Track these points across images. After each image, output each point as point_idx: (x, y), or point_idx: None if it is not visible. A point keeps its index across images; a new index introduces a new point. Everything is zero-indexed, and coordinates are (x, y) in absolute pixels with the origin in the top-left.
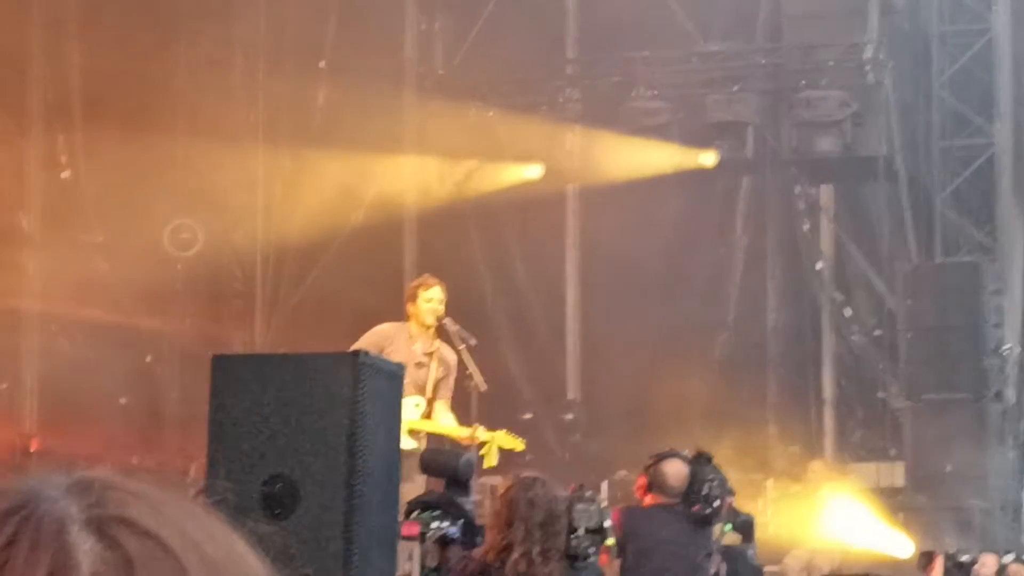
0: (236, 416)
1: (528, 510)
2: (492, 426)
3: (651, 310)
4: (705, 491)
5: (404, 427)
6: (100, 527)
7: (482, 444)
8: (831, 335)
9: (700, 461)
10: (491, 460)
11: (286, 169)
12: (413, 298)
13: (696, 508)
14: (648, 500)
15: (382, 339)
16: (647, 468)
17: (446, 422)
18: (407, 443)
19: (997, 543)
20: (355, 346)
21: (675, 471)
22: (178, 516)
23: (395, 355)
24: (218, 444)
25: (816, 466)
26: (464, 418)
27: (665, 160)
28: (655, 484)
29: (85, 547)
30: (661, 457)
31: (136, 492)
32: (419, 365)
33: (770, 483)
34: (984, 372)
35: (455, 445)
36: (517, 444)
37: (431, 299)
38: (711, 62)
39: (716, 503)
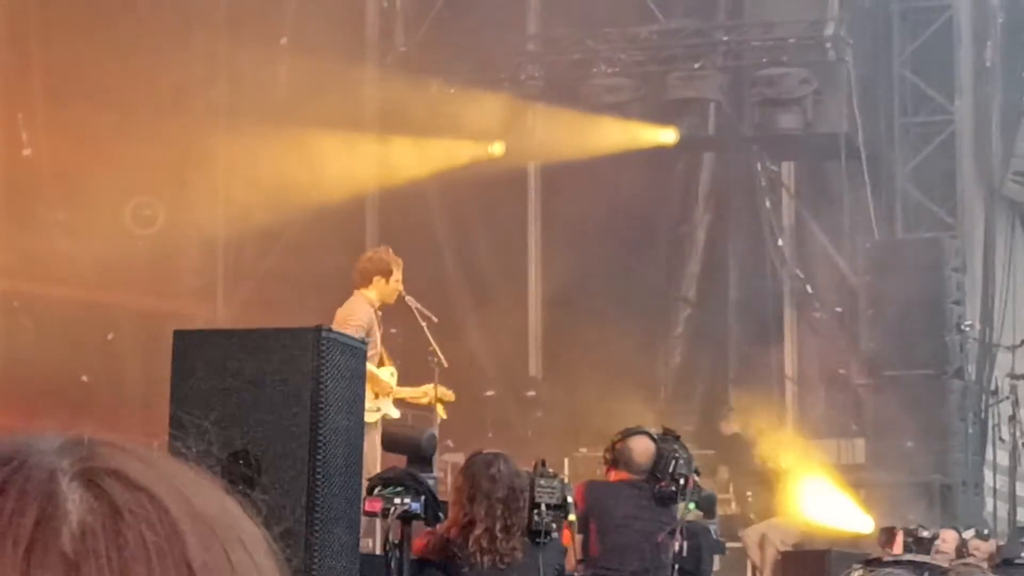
0: (198, 392)
1: (490, 486)
2: (451, 402)
3: (613, 287)
4: (671, 468)
5: (390, 397)
6: (90, 478)
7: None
8: (792, 311)
9: (667, 439)
10: (443, 413)
11: (247, 146)
12: (388, 273)
13: (662, 485)
14: (613, 476)
15: (372, 319)
16: (613, 444)
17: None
18: (393, 411)
19: (957, 519)
20: (353, 330)
21: (642, 448)
22: (169, 472)
23: (374, 330)
24: (180, 420)
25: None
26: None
27: (627, 137)
28: (621, 460)
29: (74, 496)
30: (628, 433)
31: (127, 448)
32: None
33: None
34: (945, 348)
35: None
36: (450, 395)
37: (399, 279)
38: (672, 39)
39: (682, 481)
